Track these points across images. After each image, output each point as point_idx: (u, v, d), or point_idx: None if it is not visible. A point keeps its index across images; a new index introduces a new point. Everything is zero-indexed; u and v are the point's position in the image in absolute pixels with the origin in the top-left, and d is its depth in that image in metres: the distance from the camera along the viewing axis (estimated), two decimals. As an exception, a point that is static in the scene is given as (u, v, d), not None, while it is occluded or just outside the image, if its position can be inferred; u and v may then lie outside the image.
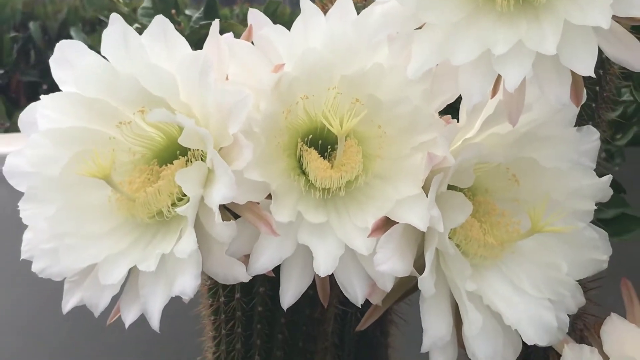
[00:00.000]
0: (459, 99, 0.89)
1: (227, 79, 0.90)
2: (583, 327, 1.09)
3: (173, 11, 1.64)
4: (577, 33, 0.81)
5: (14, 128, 2.43)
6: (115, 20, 0.89)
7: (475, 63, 0.84)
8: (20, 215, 0.91)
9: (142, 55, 0.88)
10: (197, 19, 1.69)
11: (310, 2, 0.91)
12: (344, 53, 0.90)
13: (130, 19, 1.61)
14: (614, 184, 0.99)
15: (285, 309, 0.90)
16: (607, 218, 1.14)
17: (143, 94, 0.87)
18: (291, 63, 0.89)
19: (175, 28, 1.62)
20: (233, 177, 0.82)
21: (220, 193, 0.82)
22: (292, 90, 0.89)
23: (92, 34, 3.40)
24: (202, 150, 0.89)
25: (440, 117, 0.91)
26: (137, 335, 1.58)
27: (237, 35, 1.60)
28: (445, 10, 0.85)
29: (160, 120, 0.87)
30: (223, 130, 0.86)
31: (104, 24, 3.58)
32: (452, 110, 0.94)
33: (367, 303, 0.92)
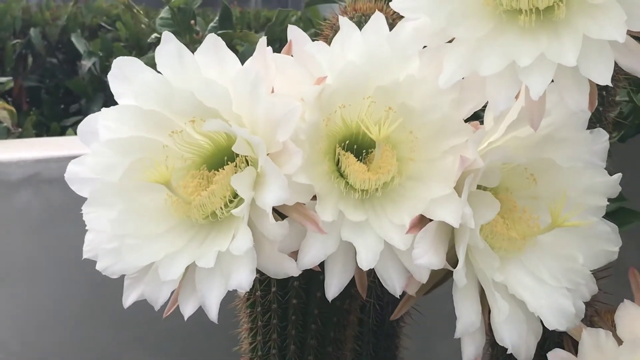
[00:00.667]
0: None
1: (272, 91, 0.98)
2: (593, 314, 1.18)
3: (192, 21, 1.72)
4: (595, 46, 0.90)
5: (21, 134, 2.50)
6: (169, 39, 0.97)
7: (501, 74, 0.92)
8: (84, 218, 0.99)
9: (197, 70, 0.96)
10: (212, 28, 1.77)
11: (347, 19, 1.00)
12: (379, 66, 0.98)
13: (149, 29, 1.68)
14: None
15: (330, 300, 0.99)
16: (607, 212, 1.22)
17: (197, 106, 0.95)
18: (332, 75, 0.97)
19: (193, 38, 1.70)
20: (286, 181, 0.90)
21: (275, 195, 0.91)
22: (332, 100, 0.97)
23: (93, 40, 3.47)
24: (248, 156, 0.97)
25: (468, 123, 1.00)
26: (173, 327, 1.66)
27: (251, 43, 1.68)
28: (472, 26, 0.94)
29: (217, 129, 0.95)
30: (271, 138, 0.94)
31: (103, 30, 3.66)
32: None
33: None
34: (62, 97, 3.53)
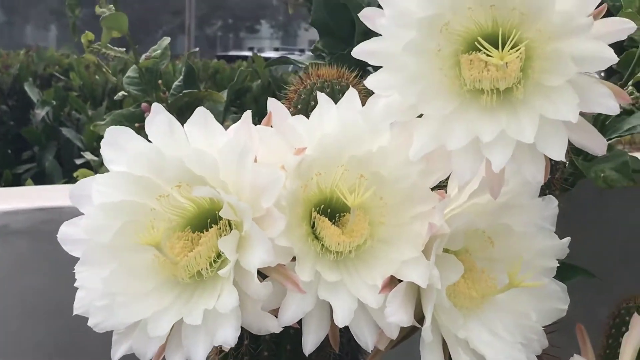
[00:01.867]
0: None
1: (255, 160, 1.06)
2: (542, 366, 1.27)
3: (159, 81, 1.79)
4: (550, 125, 1.00)
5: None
6: (159, 111, 1.05)
7: (466, 148, 1.02)
8: (76, 277, 1.05)
9: (186, 140, 1.04)
10: (177, 86, 1.84)
11: (325, 95, 1.09)
12: (354, 137, 1.07)
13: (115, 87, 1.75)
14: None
15: (307, 355, 1.06)
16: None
17: (186, 173, 1.02)
18: (311, 146, 1.05)
19: (160, 96, 1.77)
20: (271, 245, 0.98)
21: (260, 258, 0.98)
22: (310, 168, 1.05)
23: (46, 88, 3.51)
24: (230, 220, 1.05)
25: (435, 192, 1.09)
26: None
27: (215, 101, 1.76)
28: (440, 104, 1.03)
29: (206, 196, 1.03)
30: (256, 204, 1.02)
31: (56, 79, 3.70)
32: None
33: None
34: (12, 143, 3.55)
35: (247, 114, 1.07)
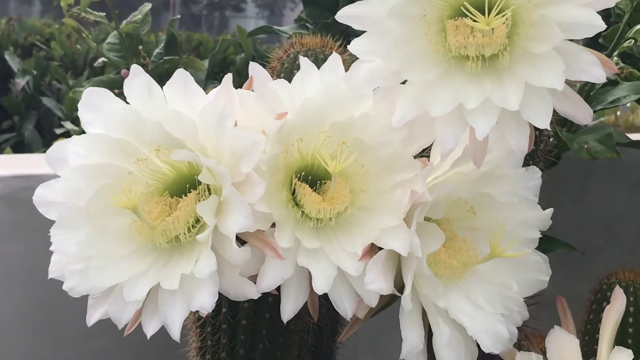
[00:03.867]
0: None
1: (236, 124, 1.04)
2: (523, 338, 1.27)
3: (140, 47, 1.76)
4: (535, 93, 0.98)
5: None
6: (138, 72, 1.03)
7: (450, 115, 1.00)
8: (51, 240, 1.03)
9: (165, 103, 1.02)
10: (158, 53, 1.82)
11: (308, 59, 1.07)
12: (336, 103, 1.05)
13: (94, 52, 1.72)
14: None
15: (285, 322, 1.05)
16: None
17: (165, 136, 1.00)
18: (292, 110, 1.04)
19: (140, 62, 1.75)
20: (249, 210, 0.97)
21: (239, 223, 0.97)
22: (291, 134, 1.04)
23: (27, 58, 3.46)
24: (210, 185, 1.03)
25: (417, 159, 1.07)
26: (120, 343, 1.69)
27: (196, 69, 1.74)
28: (423, 70, 1.02)
29: (185, 159, 1.01)
30: (235, 168, 1.00)
31: (37, 48, 3.65)
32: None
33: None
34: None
35: (228, 77, 1.05)
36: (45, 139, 2.64)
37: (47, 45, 3.31)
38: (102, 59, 1.80)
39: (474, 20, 0.97)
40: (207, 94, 1.08)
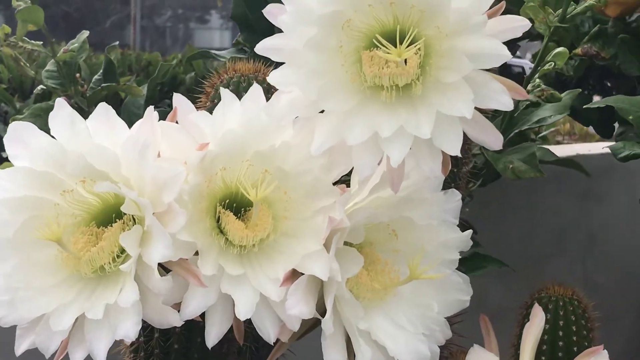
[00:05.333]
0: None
1: (159, 155, 1.07)
2: (448, 355, 1.31)
3: (77, 75, 1.78)
4: (447, 120, 1.02)
5: None
6: (63, 105, 1.05)
7: (366, 143, 1.03)
8: (-20, 271, 1.05)
9: (88, 135, 1.04)
10: (96, 80, 1.83)
11: (228, 90, 1.10)
12: (257, 133, 1.08)
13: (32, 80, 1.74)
14: (467, 226, 1.20)
15: (210, 347, 1.07)
16: (462, 257, 1.34)
17: (88, 168, 1.03)
18: (214, 141, 1.07)
19: (78, 90, 1.77)
20: (170, 240, 1.00)
21: (160, 253, 1.00)
22: (213, 164, 1.07)
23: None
24: (134, 215, 1.06)
25: (336, 186, 1.11)
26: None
27: (134, 95, 1.76)
28: (340, 100, 1.05)
29: (107, 191, 1.03)
30: (157, 199, 1.03)
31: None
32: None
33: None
34: None
35: (150, 110, 1.08)
36: (-6, 162, 2.64)
37: (-6, 68, 3.33)
38: (41, 86, 1.82)
39: (387, 52, 1.01)
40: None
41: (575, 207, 2.95)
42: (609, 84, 3.07)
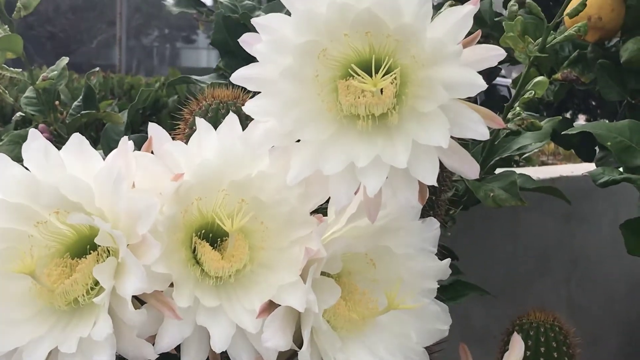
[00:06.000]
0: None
1: (133, 185, 1.06)
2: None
3: (56, 102, 1.77)
4: (423, 150, 1.01)
5: None
6: (36, 136, 1.04)
7: (342, 173, 1.03)
8: (-49, 305, 1.04)
9: (62, 166, 1.03)
10: (76, 106, 1.83)
11: (204, 120, 1.09)
12: (233, 162, 1.08)
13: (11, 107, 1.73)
14: (448, 252, 1.20)
15: (185, 381, 1.06)
16: (443, 285, 1.34)
17: (62, 199, 1.02)
18: (189, 172, 1.06)
19: (57, 117, 1.76)
20: (144, 272, 0.98)
21: (134, 285, 0.98)
22: (189, 194, 1.06)
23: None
24: (109, 246, 1.05)
25: (313, 216, 1.10)
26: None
27: (114, 122, 1.75)
28: (316, 130, 1.04)
29: (80, 223, 1.03)
30: (131, 230, 1.02)
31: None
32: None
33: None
34: None
35: (124, 139, 1.07)
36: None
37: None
38: (20, 113, 1.81)
39: (363, 82, 1.00)
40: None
41: (558, 229, 2.95)
42: (593, 103, 3.08)
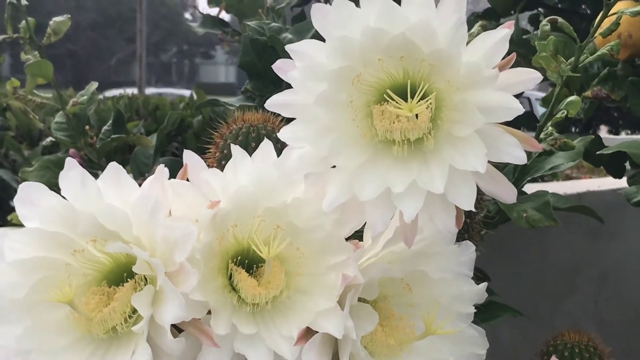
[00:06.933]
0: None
1: (170, 213, 1.06)
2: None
3: (87, 127, 1.78)
4: (460, 175, 1.01)
5: None
6: (73, 165, 1.05)
7: (378, 199, 1.03)
8: (-9, 336, 1.04)
9: (99, 195, 1.04)
10: (106, 131, 1.84)
11: (239, 147, 1.09)
12: (268, 189, 1.08)
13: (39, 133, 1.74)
14: (482, 277, 1.19)
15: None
16: (477, 306, 1.32)
17: (99, 228, 1.02)
18: (225, 199, 1.06)
19: (87, 142, 1.77)
20: (183, 301, 0.98)
21: (173, 314, 0.98)
22: (225, 221, 1.06)
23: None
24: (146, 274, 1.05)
25: (349, 242, 1.10)
26: None
27: (143, 146, 1.76)
28: (351, 155, 1.04)
29: (119, 251, 1.03)
30: (169, 258, 1.02)
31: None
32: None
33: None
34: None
35: (160, 168, 1.07)
36: (2, 210, 2.64)
37: (2, 115, 3.31)
38: (50, 138, 1.82)
39: (397, 107, 1.00)
40: (154, 169, 1.10)
41: (587, 246, 2.93)
42: (615, 114, 3.07)
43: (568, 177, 5.48)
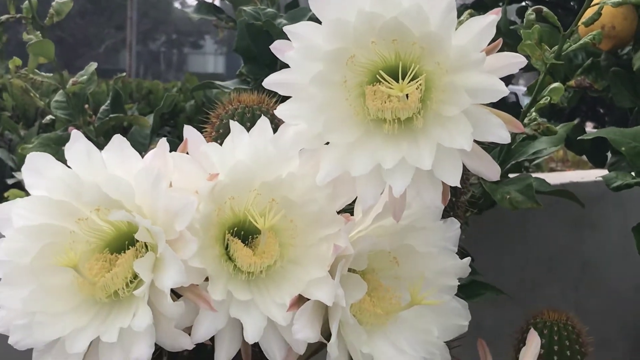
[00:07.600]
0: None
1: (170, 185, 1.11)
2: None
3: (86, 105, 1.83)
4: (447, 153, 1.06)
5: None
6: (78, 137, 1.10)
7: (369, 174, 1.08)
8: (-1, 297, 1.10)
9: (103, 166, 1.09)
10: (104, 110, 1.88)
11: (237, 123, 1.15)
12: (264, 164, 1.13)
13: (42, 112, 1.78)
14: (465, 253, 1.25)
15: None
16: (460, 284, 1.38)
17: (103, 197, 1.07)
18: (223, 172, 1.11)
19: (86, 120, 1.82)
20: (183, 266, 1.04)
21: (173, 279, 1.04)
22: (223, 193, 1.11)
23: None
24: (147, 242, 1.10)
25: (340, 215, 1.15)
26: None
27: (141, 126, 1.80)
28: (344, 133, 1.09)
29: (122, 219, 1.08)
30: (170, 227, 1.07)
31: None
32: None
33: None
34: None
35: (162, 141, 1.12)
36: (-2, 188, 2.68)
37: (-2, 96, 3.37)
38: (50, 116, 1.87)
39: (389, 87, 1.05)
40: (151, 148, 1.16)
41: (569, 234, 2.99)
42: (601, 111, 3.13)
43: (553, 170, 5.54)
